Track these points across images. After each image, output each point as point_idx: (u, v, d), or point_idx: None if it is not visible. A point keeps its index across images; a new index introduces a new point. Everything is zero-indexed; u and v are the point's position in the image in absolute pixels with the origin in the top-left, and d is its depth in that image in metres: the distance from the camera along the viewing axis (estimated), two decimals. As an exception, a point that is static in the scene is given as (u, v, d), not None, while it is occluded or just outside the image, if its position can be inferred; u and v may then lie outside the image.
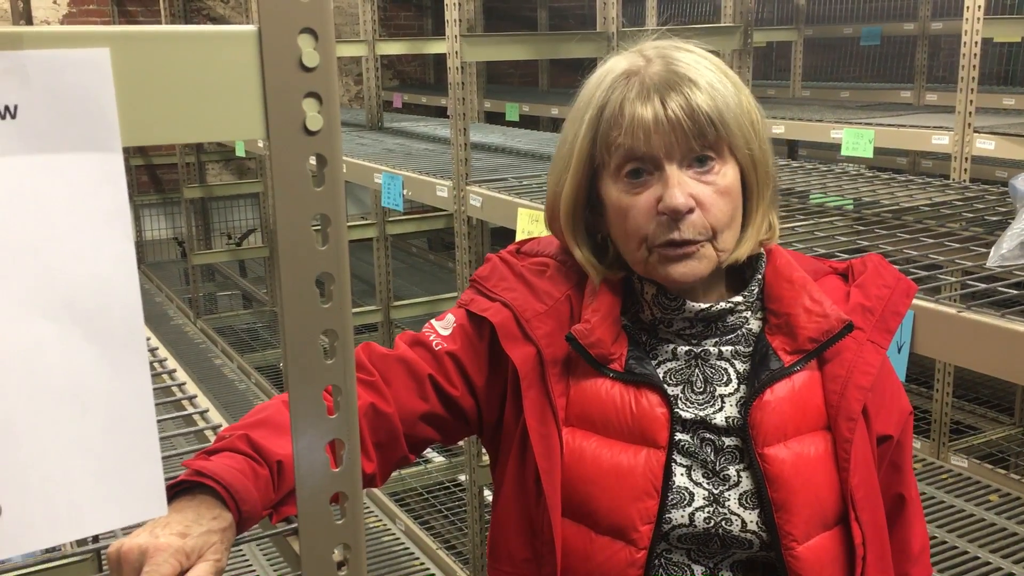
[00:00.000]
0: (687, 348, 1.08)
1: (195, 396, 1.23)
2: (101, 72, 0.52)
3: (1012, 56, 6.16)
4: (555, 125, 6.28)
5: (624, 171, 1.03)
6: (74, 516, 0.57)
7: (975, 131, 3.25)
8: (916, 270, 1.63)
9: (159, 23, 6.05)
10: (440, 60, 7.37)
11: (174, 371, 1.33)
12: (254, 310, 6.07)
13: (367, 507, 3.26)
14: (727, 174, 1.03)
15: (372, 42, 4.52)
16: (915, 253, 1.75)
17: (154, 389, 0.58)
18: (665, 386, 1.05)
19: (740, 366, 1.08)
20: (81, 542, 1.08)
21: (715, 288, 1.10)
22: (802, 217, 2.13)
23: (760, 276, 1.10)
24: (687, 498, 1.03)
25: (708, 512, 1.03)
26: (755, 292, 1.10)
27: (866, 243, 1.85)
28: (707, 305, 1.07)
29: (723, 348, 1.08)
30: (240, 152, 5.56)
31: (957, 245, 1.80)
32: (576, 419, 1.06)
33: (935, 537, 2.70)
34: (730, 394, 1.06)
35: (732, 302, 1.07)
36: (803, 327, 1.06)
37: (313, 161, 0.59)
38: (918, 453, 3.35)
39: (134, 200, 6.45)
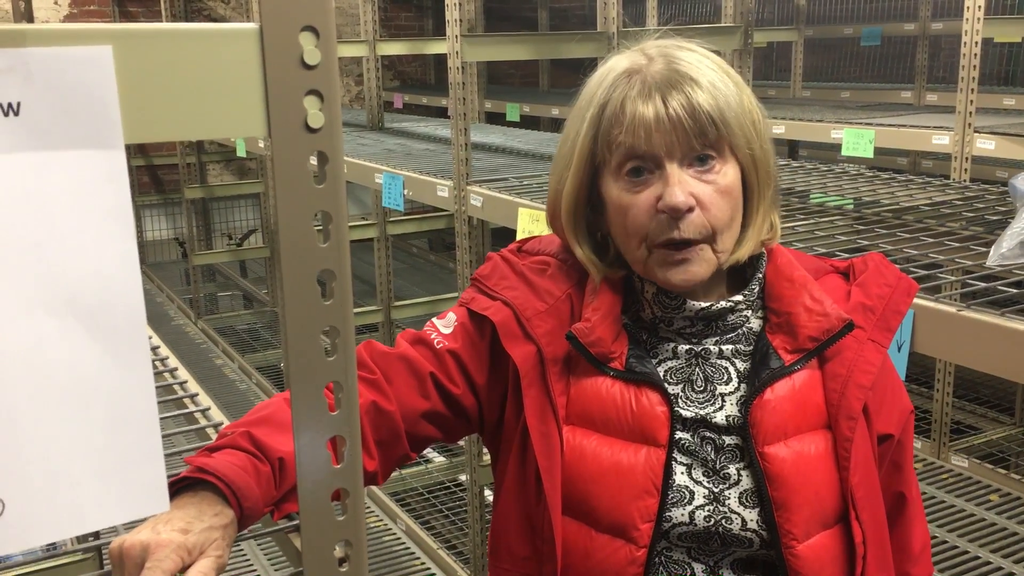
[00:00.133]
0: (687, 347, 1.08)
1: (196, 394, 1.23)
2: (104, 70, 0.53)
3: (1012, 56, 6.16)
4: (556, 125, 6.28)
5: (625, 169, 1.03)
6: (76, 512, 0.57)
7: (975, 131, 3.25)
8: (916, 269, 1.63)
9: (158, 23, 6.04)
10: (441, 60, 7.38)
11: (175, 369, 1.33)
12: (255, 310, 6.07)
13: (368, 507, 3.26)
14: (728, 173, 1.03)
15: (373, 42, 4.52)
16: (915, 252, 1.76)
17: (156, 387, 0.58)
18: (665, 385, 1.06)
19: (740, 365, 1.08)
20: (82, 539, 1.08)
21: (716, 287, 1.10)
22: (802, 217, 2.13)
23: (761, 275, 1.10)
24: (687, 496, 1.03)
25: (708, 511, 1.03)
26: (756, 291, 1.10)
27: (866, 242, 1.85)
28: (707, 304, 1.07)
29: (723, 347, 1.08)
30: (241, 152, 5.56)
31: (957, 244, 1.80)
32: (576, 417, 1.06)
33: (935, 537, 2.70)
34: (730, 393, 1.07)
35: (733, 301, 1.08)
36: (803, 326, 1.06)
37: (314, 159, 0.59)
38: (919, 453, 3.35)
39: (135, 200, 6.45)
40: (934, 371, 3.46)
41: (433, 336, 1.12)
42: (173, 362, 1.36)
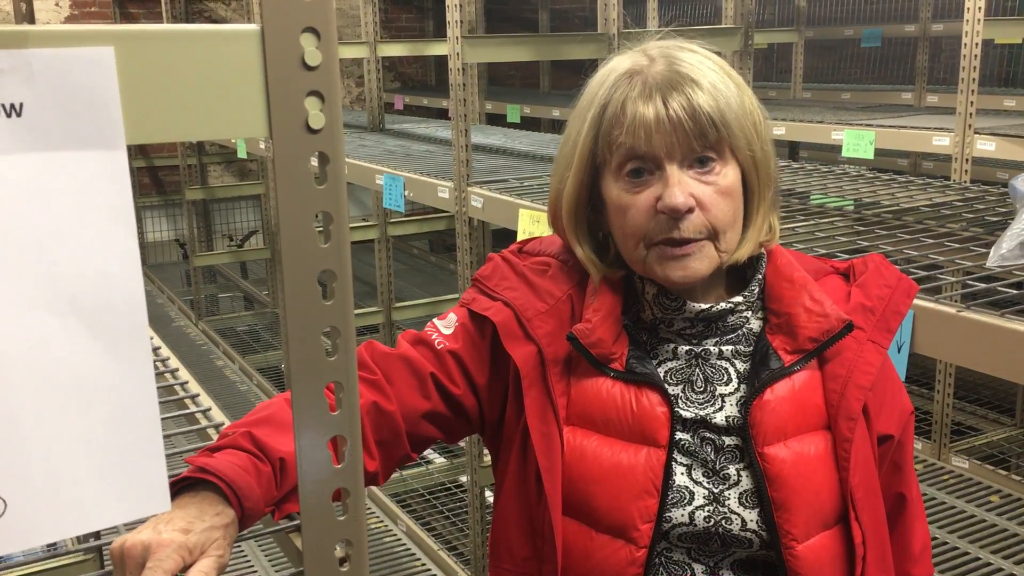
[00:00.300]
0: (687, 348, 1.08)
1: (198, 395, 1.24)
2: (105, 70, 0.53)
3: (1013, 58, 6.16)
4: (556, 127, 6.29)
5: (625, 170, 1.04)
6: (78, 511, 0.57)
7: (976, 132, 3.25)
8: (916, 270, 1.64)
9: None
10: (441, 62, 7.38)
11: (176, 370, 1.34)
12: (255, 312, 6.08)
13: (368, 508, 3.26)
14: (728, 175, 1.03)
15: (373, 44, 4.53)
16: (915, 253, 1.76)
17: (157, 388, 0.59)
18: (666, 385, 1.06)
19: (740, 366, 1.08)
20: (82, 539, 1.08)
21: (715, 288, 1.10)
22: (803, 218, 2.13)
23: (761, 276, 1.10)
24: (687, 497, 1.04)
25: (708, 511, 1.03)
26: (756, 292, 1.10)
27: (866, 243, 1.85)
28: (707, 305, 1.07)
29: (723, 348, 1.08)
30: (242, 154, 5.57)
31: (957, 245, 1.81)
32: (577, 418, 1.06)
33: (936, 538, 2.70)
34: (730, 393, 1.07)
35: (732, 302, 1.08)
36: (803, 327, 1.06)
37: (315, 160, 0.59)
38: (919, 454, 3.35)
39: (136, 201, 6.44)
40: (934, 372, 3.46)
41: (434, 337, 1.12)
42: (174, 363, 1.36)
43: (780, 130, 4.15)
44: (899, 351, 1.45)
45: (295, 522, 0.96)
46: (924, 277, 1.59)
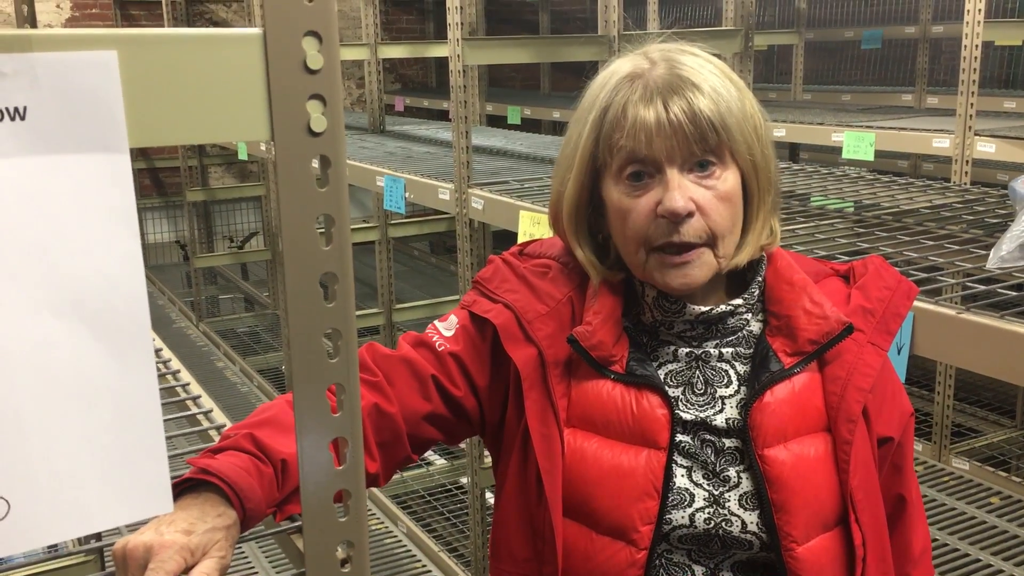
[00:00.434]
0: (688, 350, 1.08)
1: (199, 396, 1.24)
2: (109, 74, 0.53)
3: (1013, 59, 6.16)
4: (556, 128, 6.30)
5: (625, 173, 1.04)
6: (81, 512, 0.57)
7: (976, 134, 3.26)
8: (916, 272, 1.64)
9: (162, 27, 6.07)
10: (442, 63, 7.39)
11: (178, 372, 1.34)
12: (256, 313, 6.08)
13: (369, 509, 3.26)
14: (728, 179, 1.03)
15: (374, 46, 4.53)
16: (915, 255, 1.76)
17: (159, 389, 0.59)
18: (666, 388, 1.06)
19: (740, 368, 1.08)
20: (84, 541, 1.08)
21: (715, 291, 1.10)
22: (803, 219, 2.14)
23: (761, 278, 1.11)
24: (687, 499, 1.04)
25: (708, 513, 1.03)
26: (756, 294, 1.10)
27: (866, 245, 1.85)
28: (707, 308, 1.07)
29: (724, 350, 1.08)
30: (242, 155, 5.57)
31: (957, 247, 1.81)
32: (577, 420, 1.07)
33: (936, 539, 2.71)
34: (730, 396, 1.07)
35: (732, 304, 1.08)
36: (803, 329, 1.06)
37: (317, 162, 0.60)
38: (919, 456, 3.35)
39: (136, 203, 6.45)
40: (935, 374, 3.46)
41: (435, 338, 1.12)
42: (176, 364, 1.37)
43: (780, 132, 4.15)
44: (899, 353, 1.45)
45: (296, 523, 0.96)
46: (924, 279, 1.59)
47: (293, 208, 0.59)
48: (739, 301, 1.08)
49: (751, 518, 1.03)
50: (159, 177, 7.13)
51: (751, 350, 1.08)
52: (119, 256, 0.55)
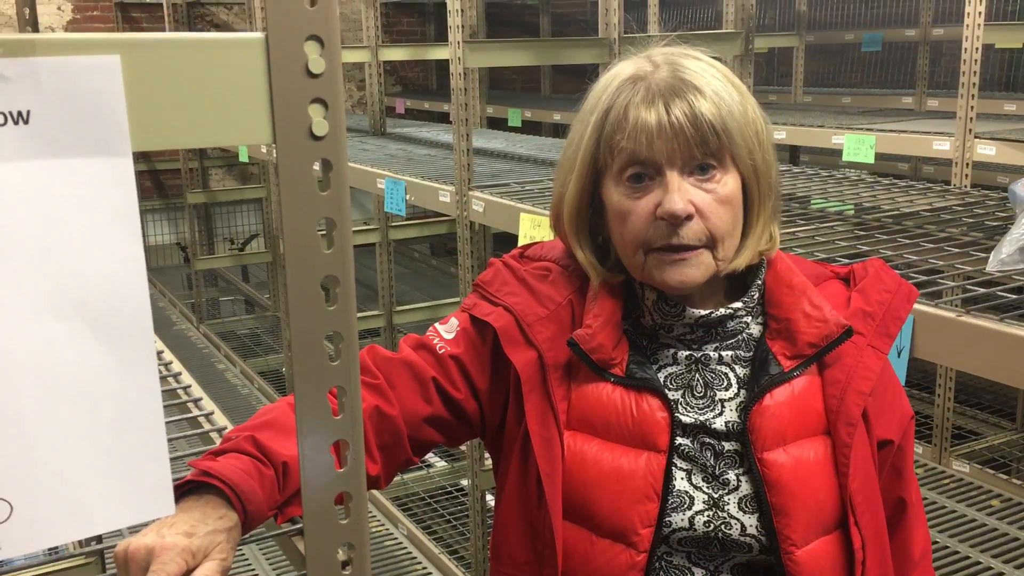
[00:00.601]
0: (688, 353, 1.09)
1: (200, 399, 1.24)
2: (112, 78, 0.53)
3: (1013, 62, 6.17)
4: (557, 131, 6.30)
5: (626, 175, 1.04)
6: (83, 514, 0.57)
7: (976, 136, 3.26)
8: (916, 275, 1.64)
9: (163, 29, 6.09)
10: (442, 66, 7.40)
11: (179, 374, 1.34)
12: (257, 315, 6.08)
13: (369, 512, 3.27)
14: (728, 183, 1.03)
15: (375, 48, 4.54)
16: (915, 258, 1.76)
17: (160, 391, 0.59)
18: (666, 391, 1.06)
19: (740, 371, 1.08)
20: (84, 543, 1.08)
21: (714, 294, 1.10)
22: (803, 222, 2.14)
23: (760, 281, 1.11)
24: (687, 502, 1.04)
25: (708, 516, 1.04)
26: (755, 297, 1.10)
27: (867, 248, 1.86)
28: (707, 311, 1.07)
29: (723, 353, 1.08)
30: (243, 158, 5.58)
31: (957, 250, 1.81)
32: (577, 423, 1.07)
33: (937, 542, 2.71)
34: (730, 399, 1.07)
35: (732, 308, 1.08)
36: (803, 332, 1.06)
37: (318, 166, 0.60)
38: (920, 458, 3.35)
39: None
40: (935, 376, 3.47)
41: (436, 341, 1.12)
42: (177, 366, 1.37)
43: (781, 134, 4.15)
44: (899, 355, 1.46)
45: (297, 526, 0.96)
46: (924, 282, 1.60)
47: (295, 211, 0.59)
48: (739, 304, 1.08)
49: (750, 521, 1.03)
50: (160, 179, 7.13)
51: (751, 353, 1.08)
52: (122, 259, 0.55)
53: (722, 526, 1.03)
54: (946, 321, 1.43)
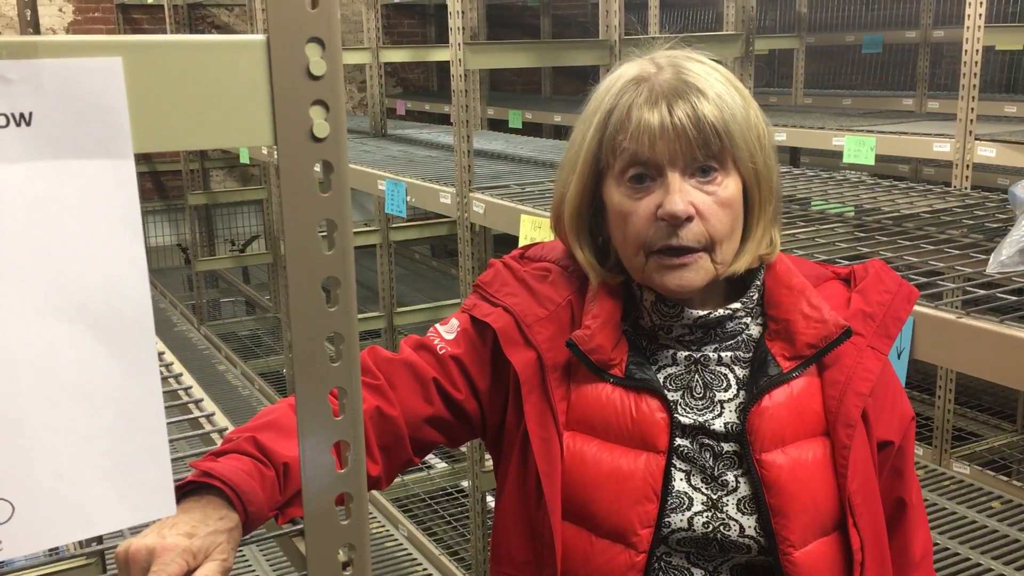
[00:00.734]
0: (687, 354, 1.09)
1: (201, 400, 1.24)
2: (114, 80, 0.54)
3: (1013, 64, 6.17)
4: (558, 132, 6.30)
5: (627, 176, 1.04)
6: (84, 515, 0.58)
7: (976, 138, 3.26)
8: (916, 276, 1.64)
9: (164, 31, 6.10)
10: (443, 67, 7.40)
11: (180, 375, 1.34)
12: (257, 316, 6.08)
13: (370, 513, 3.26)
14: (729, 186, 1.04)
15: (376, 50, 4.54)
16: (915, 260, 1.76)
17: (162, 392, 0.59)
18: (665, 391, 1.06)
19: (740, 372, 1.08)
20: (85, 544, 1.09)
21: (714, 296, 1.10)
22: (803, 224, 2.14)
23: (759, 282, 1.11)
24: (686, 503, 1.04)
25: (707, 517, 1.04)
26: (755, 298, 1.10)
27: (867, 250, 1.86)
28: (706, 312, 1.07)
29: (723, 354, 1.09)
30: (244, 159, 5.58)
31: (957, 252, 1.81)
32: (577, 423, 1.07)
33: (937, 544, 2.71)
34: (729, 400, 1.07)
35: (731, 308, 1.08)
36: (801, 333, 1.06)
37: (319, 167, 0.60)
38: (920, 460, 3.35)
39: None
40: (935, 378, 3.47)
41: (436, 342, 1.13)
42: (178, 368, 1.37)
43: (781, 136, 4.15)
44: (899, 357, 1.46)
45: (298, 526, 0.96)
46: (924, 283, 1.60)
47: (296, 213, 0.59)
48: (737, 305, 1.09)
49: (749, 522, 1.03)
50: (161, 180, 7.14)
51: (750, 354, 1.09)
52: (123, 260, 0.55)
53: (721, 527, 1.03)
54: (946, 323, 1.43)
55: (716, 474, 1.05)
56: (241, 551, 2.74)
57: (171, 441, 0.65)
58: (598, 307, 1.09)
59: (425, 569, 3.04)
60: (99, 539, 1.08)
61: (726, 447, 1.06)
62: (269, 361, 5.30)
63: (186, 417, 1.23)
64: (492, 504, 2.90)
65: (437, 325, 1.16)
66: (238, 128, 0.58)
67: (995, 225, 2.04)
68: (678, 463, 1.05)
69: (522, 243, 2.32)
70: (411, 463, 1.12)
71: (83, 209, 0.54)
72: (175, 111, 0.56)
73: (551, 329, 1.09)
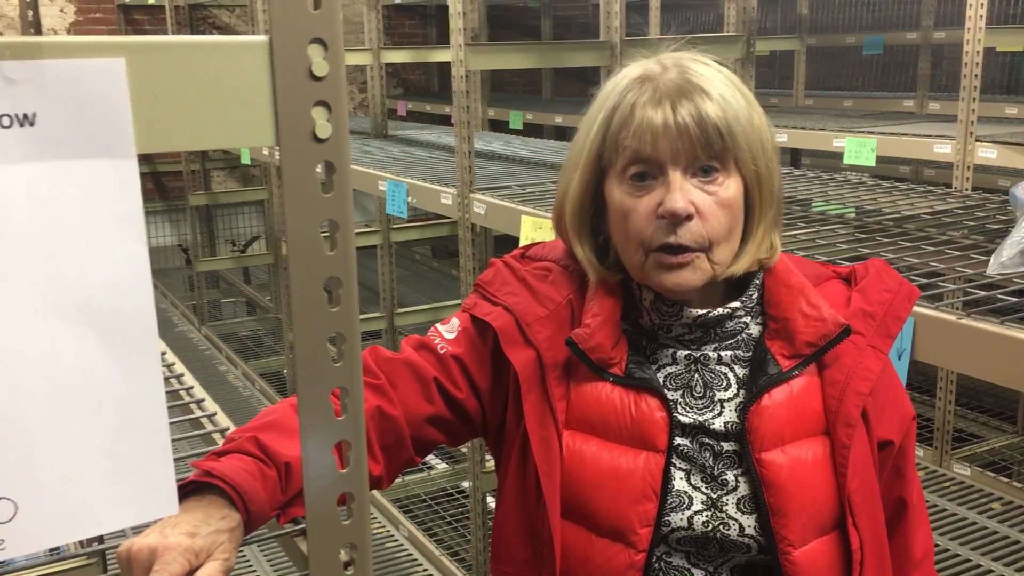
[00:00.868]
0: (687, 353, 1.09)
1: (203, 400, 1.24)
2: (117, 81, 0.54)
3: (1014, 65, 6.17)
4: (559, 133, 6.30)
5: (629, 173, 1.05)
6: (87, 514, 0.58)
7: (977, 140, 3.26)
8: (917, 277, 1.64)
9: (165, 32, 6.10)
10: (444, 68, 7.40)
11: (182, 375, 1.34)
12: (258, 317, 6.09)
13: (370, 513, 3.27)
14: (730, 187, 1.04)
15: (377, 50, 4.54)
16: (916, 261, 1.76)
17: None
18: (665, 391, 1.06)
19: (740, 371, 1.08)
20: (86, 544, 1.09)
21: (713, 295, 1.10)
22: (804, 225, 2.14)
23: (758, 281, 1.11)
24: (686, 502, 1.04)
25: (706, 516, 1.04)
26: (754, 297, 1.11)
27: (867, 251, 1.86)
28: (705, 311, 1.08)
29: (723, 353, 1.09)
30: (245, 160, 5.58)
31: (958, 253, 1.81)
32: (576, 422, 1.07)
33: (938, 545, 2.70)
34: (729, 399, 1.07)
35: (730, 307, 1.08)
36: (800, 331, 1.06)
37: (321, 168, 0.60)
38: (920, 461, 3.35)
39: (139, 207, 6.45)
40: (936, 379, 3.47)
41: (437, 341, 1.13)
42: (180, 368, 1.37)
43: (782, 137, 4.15)
44: (900, 358, 1.46)
45: (300, 526, 0.96)
46: (925, 284, 1.60)
47: (298, 213, 0.60)
48: (737, 304, 1.09)
49: (749, 521, 1.03)
50: (162, 181, 7.14)
51: (750, 353, 1.09)
52: (126, 261, 0.56)
53: (720, 526, 1.04)
54: (947, 324, 1.44)
55: (716, 473, 1.05)
56: (242, 551, 2.74)
57: (173, 441, 0.66)
58: (598, 306, 1.09)
59: (426, 570, 3.04)
60: (100, 539, 1.08)
61: (726, 446, 1.06)
62: (270, 361, 5.30)
63: (188, 417, 1.23)
64: (492, 505, 2.90)
65: (438, 325, 1.16)
66: (241, 129, 0.58)
67: (996, 226, 2.04)
68: (678, 462, 1.05)
69: (523, 244, 2.32)
70: (412, 462, 1.12)
71: (86, 209, 0.54)
72: (178, 112, 0.56)
73: (551, 328, 1.09)
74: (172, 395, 1.30)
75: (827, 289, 1.13)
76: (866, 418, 1.07)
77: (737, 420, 1.06)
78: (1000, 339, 1.37)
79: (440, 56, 4.96)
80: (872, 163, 3.72)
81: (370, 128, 4.76)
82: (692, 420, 1.06)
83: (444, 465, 3.94)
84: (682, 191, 1.02)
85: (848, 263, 1.60)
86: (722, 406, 1.07)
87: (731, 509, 1.04)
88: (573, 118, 5.47)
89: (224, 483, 0.87)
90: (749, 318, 1.10)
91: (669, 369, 1.09)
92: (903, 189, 2.61)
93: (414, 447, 1.10)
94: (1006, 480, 3.19)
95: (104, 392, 0.57)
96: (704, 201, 1.03)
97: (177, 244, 7.07)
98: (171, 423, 0.80)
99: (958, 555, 2.68)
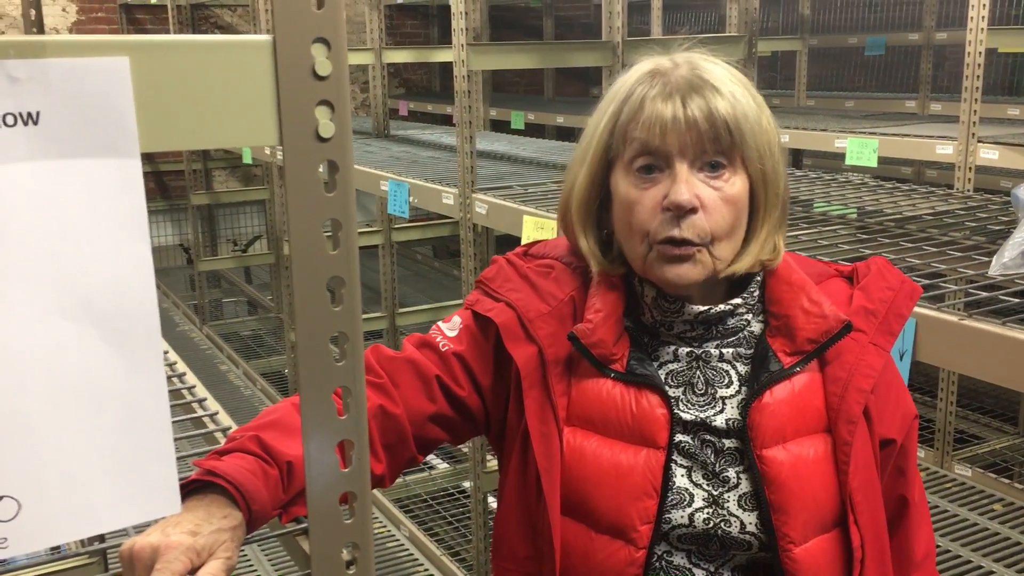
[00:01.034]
0: (688, 350, 1.09)
1: (205, 399, 1.25)
2: (121, 80, 0.54)
3: (1017, 66, 6.17)
4: (560, 133, 6.30)
5: (636, 165, 1.05)
6: (90, 513, 0.58)
7: (979, 141, 3.26)
8: (919, 278, 1.64)
9: (167, 31, 6.10)
10: (446, 68, 7.40)
11: (184, 375, 1.35)
12: (259, 316, 6.09)
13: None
14: (736, 184, 1.04)
15: (379, 50, 4.54)
16: (918, 262, 1.76)
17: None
18: (666, 387, 1.07)
19: (741, 368, 1.09)
20: (87, 542, 1.09)
21: (715, 292, 1.11)
22: (806, 225, 2.14)
23: (760, 278, 1.11)
24: (687, 499, 1.04)
25: (707, 513, 1.04)
26: (755, 294, 1.11)
27: (869, 251, 1.86)
28: (706, 308, 1.08)
29: (724, 350, 1.09)
30: (247, 159, 5.59)
31: (959, 254, 1.81)
32: (577, 419, 1.07)
33: (939, 546, 2.70)
34: (731, 396, 1.07)
35: (732, 304, 1.09)
36: (801, 328, 1.07)
37: (324, 167, 0.60)
38: (922, 462, 3.35)
39: (141, 206, 6.45)
40: (937, 380, 3.46)
41: (439, 339, 1.13)
42: (181, 367, 1.37)
43: (784, 138, 4.15)
44: (901, 358, 1.46)
45: (302, 525, 0.97)
46: (927, 285, 1.60)
47: (301, 213, 0.60)
48: (738, 301, 1.09)
49: (750, 519, 1.04)
50: (163, 180, 7.14)
51: (752, 350, 1.09)
52: (129, 260, 0.56)
53: (722, 523, 1.04)
54: (948, 325, 1.44)
55: (717, 470, 1.05)
56: (244, 550, 2.74)
57: (175, 440, 0.66)
58: (600, 302, 1.09)
59: (426, 569, 3.04)
60: (101, 538, 1.08)
61: (727, 443, 1.06)
62: (271, 361, 5.30)
63: (190, 416, 1.23)
64: (494, 505, 2.90)
65: (440, 323, 1.16)
66: (244, 128, 0.58)
67: (997, 227, 2.04)
68: (679, 459, 1.05)
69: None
70: (415, 461, 1.12)
71: (89, 208, 0.54)
72: (181, 111, 0.56)
73: (553, 324, 1.09)
74: (174, 394, 1.30)
75: (829, 287, 1.13)
76: (868, 416, 1.07)
77: (739, 417, 1.06)
78: (1002, 340, 1.37)
79: (442, 56, 4.97)
80: (874, 164, 3.72)
81: (372, 128, 4.76)
82: (693, 417, 1.06)
83: (445, 465, 3.94)
84: (688, 184, 1.02)
85: (850, 263, 1.61)
86: (723, 403, 1.07)
87: (732, 506, 1.04)
88: (575, 118, 5.47)
89: (226, 482, 0.88)
90: (750, 315, 1.10)
91: (671, 366, 1.09)
92: (905, 190, 2.61)
93: (416, 445, 1.10)
94: (1007, 481, 3.19)
95: (107, 391, 0.57)
96: (709, 195, 1.03)
97: (179, 243, 7.08)
98: (173, 422, 0.80)
99: (959, 556, 2.68)
